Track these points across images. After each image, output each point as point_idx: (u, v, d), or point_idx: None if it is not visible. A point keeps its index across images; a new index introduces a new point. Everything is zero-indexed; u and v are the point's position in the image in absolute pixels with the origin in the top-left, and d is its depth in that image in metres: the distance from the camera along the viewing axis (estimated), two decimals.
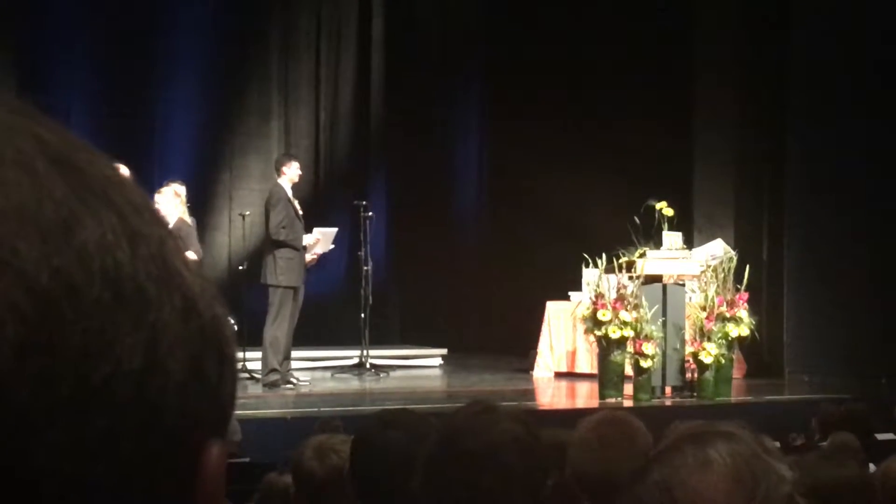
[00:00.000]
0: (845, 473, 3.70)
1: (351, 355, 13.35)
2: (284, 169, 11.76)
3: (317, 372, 13.05)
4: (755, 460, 1.57)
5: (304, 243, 11.73)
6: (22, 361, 0.53)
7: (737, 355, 12.04)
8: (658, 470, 1.56)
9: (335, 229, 12.39)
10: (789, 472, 1.60)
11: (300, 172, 11.95)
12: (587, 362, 13.11)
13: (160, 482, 0.59)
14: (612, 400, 10.98)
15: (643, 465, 1.61)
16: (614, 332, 10.93)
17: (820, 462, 3.83)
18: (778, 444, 5.98)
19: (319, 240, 12.03)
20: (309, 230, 11.99)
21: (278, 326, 11.49)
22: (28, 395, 0.54)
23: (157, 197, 10.51)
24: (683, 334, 11.35)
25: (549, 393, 12.88)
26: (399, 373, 13.47)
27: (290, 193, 11.68)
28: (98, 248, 0.57)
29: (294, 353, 12.06)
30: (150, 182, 11.48)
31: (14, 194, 0.55)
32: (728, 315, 11.37)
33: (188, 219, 10.95)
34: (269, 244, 11.69)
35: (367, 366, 13.04)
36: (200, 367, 0.60)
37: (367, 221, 12.90)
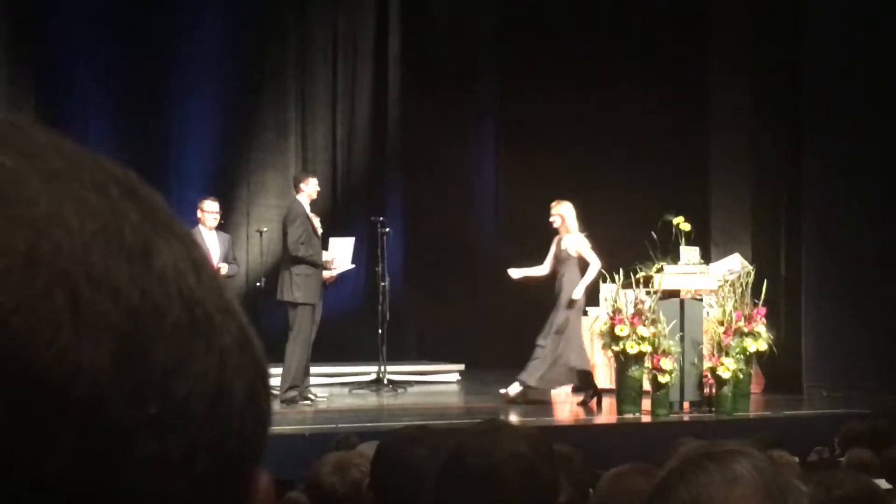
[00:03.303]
0: (862, 489, 3.68)
1: (368, 371, 13.35)
2: (303, 185, 11.80)
3: (334, 388, 13.06)
4: (777, 475, 1.58)
5: (323, 259, 11.80)
6: (116, 377, 0.56)
7: (755, 370, 12.01)
8: (684, 489, 1.56)
9: (352, 239, 12.40)
10: (805, 486, 1.61)
11: (318, 189, 11.99)
12: (605, 377, 13.09)
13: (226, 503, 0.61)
14: (630, 415, 10.97)
15: (661, 486, 1.60)
16: (632, 348, 10.92)
17: (837, 477, 3.82)
18: (797, 459, 5.98)
19: (335, 258, 12.07)
20: (325, 243, 12.03)
21: (300, 343, 11.51)
22: (121, 409, 0.56)
23: None
24: (701, 349, 11.33)
25: (567, 408, 12.85)
26: (416, 388, 13.47)
27: (308, 210, 11.71)
28: (173, 274, 0.59)
29: (312, 369, 12.06)
30: (167, 198, 11.55)
31: (99, 217, 0.58)
32: (746, 330, 11.35)
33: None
34: (286, 260, 11.70)
35: (385, 381, 13.04)
36: (255, 394, 0.62)
37: (385, 237, 12.92)
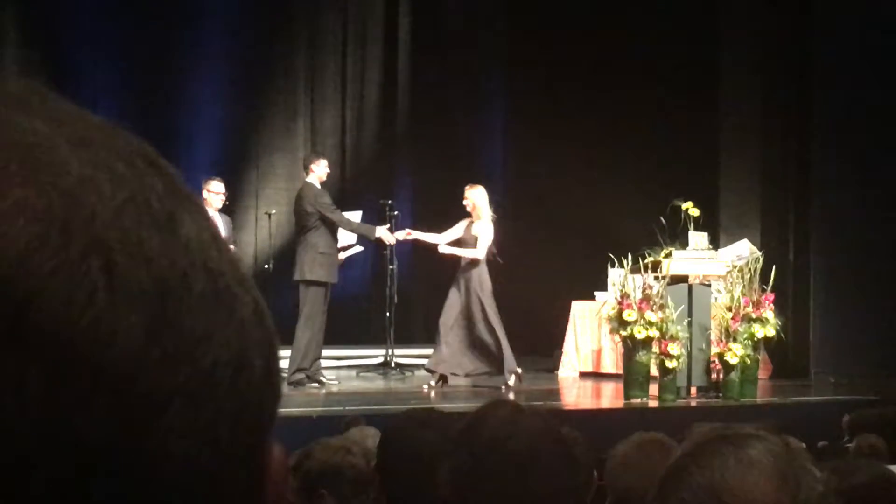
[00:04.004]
0: (877, 476, 3.68)
1: (376, 354, 13.36)
2: (313, 166, 11.79)
3: (342, 371, 13.07)
4: (793, 460, 1.57)
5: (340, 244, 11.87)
6: (149, 344, 0.56)
7: (762, 356, 12.01)
8: (699, 473, 1.55)
9: (359, 213, 12.37)
10: (819, 472, 1.60)
11: (328, 170, 11.99)
12: (612, 362, 13.10)
13: (245, 476, 0.61)
14: (638, 400, 10.97)
15: (675, 468, 1.60)
16: (640, 333, 10.92)
17: (851, 465, 3.81)
18: (804, 445, 5.97)
19: (352, 244, 12.10)
20: None
21: (310, 325, 11.50)
22: (153, 377, 0.56)
23: None
24: (709, 335, 11.32)
25: (575, 393, 12.87)
26: (424, 372, 13.46)
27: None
28: (197, 244, 0.60)
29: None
30: None
31: (128, 185, 0.58)
32: (754, 315, 11.34)
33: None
34: (307, 240, 11.60)
35: (393, 365, 13.05)
36: (270, 367, 0.63)
37: (393, 220, 12.90)
